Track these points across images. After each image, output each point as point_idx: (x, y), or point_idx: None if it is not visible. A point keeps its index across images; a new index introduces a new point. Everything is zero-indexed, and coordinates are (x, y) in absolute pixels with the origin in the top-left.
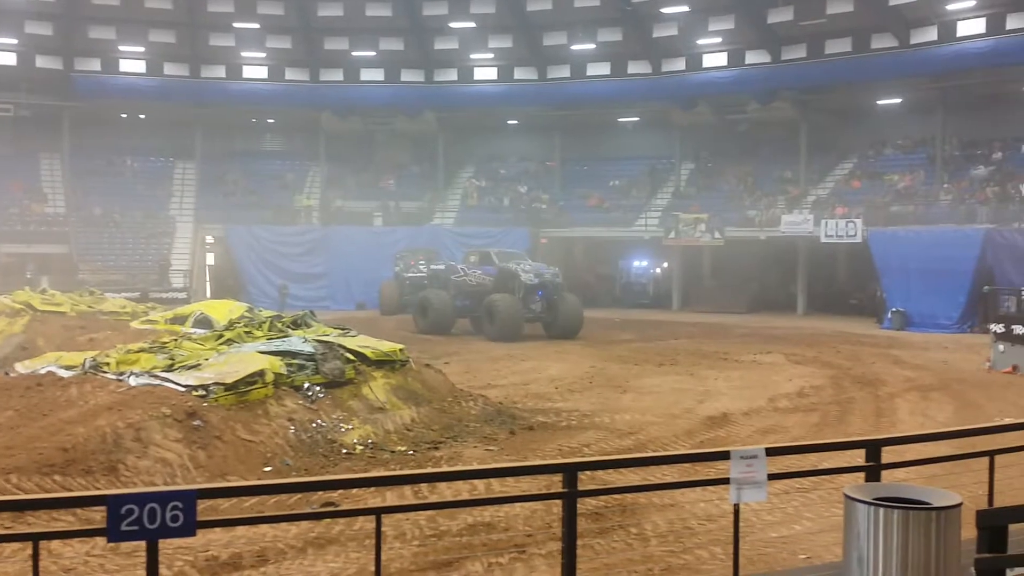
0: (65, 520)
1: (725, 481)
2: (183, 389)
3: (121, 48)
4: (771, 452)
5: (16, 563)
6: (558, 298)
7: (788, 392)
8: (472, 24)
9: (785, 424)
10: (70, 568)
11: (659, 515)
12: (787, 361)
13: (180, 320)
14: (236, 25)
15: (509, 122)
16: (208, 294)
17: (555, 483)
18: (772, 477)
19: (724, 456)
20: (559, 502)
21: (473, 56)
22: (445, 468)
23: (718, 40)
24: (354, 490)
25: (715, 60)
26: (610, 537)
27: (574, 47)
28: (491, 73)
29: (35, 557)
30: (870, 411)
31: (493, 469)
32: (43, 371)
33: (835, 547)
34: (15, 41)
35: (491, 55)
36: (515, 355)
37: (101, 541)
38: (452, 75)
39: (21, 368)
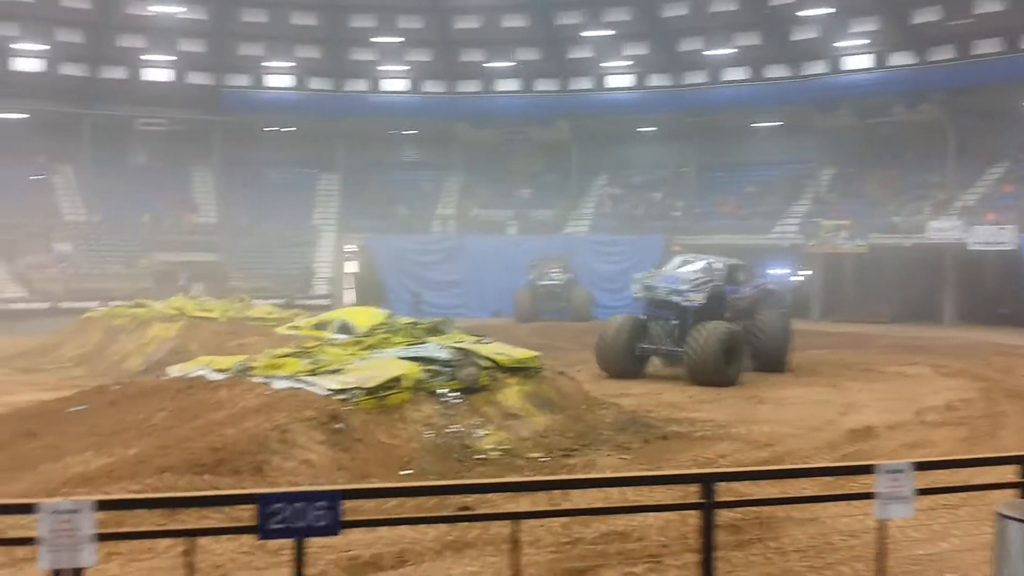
0: (214, 518)
1: (869, 496)
2: (326, 393)
3: (268, 64)
4: (918, 467)
5: (169, 559)
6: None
7: (936, 405)
8: (607, 32)
9: (932, 438)
10: (219, 565)
11: (799, 529)
12: (934, 373)
13: (323, 326)
14: (377, 40)
15: (643, 129)
16: (349, 301)
17: (690, 494)
18: (919, 492)
19: (868, 470)
20: (694, 513)
21: (607, 64)
22: (580, 475)
23: (861, 42)
24: (489, 495)
25: (857, 62)
26: (748, 550)
27: (710, 52)
28: (626, 80)
29: (190, 553)
30: (1023, 425)
31: (630, 477)
32: (195, 374)
33: (984, 566)
34: (171, 58)
35: (626, 62)
36: None
37: (249, 539)
38: (586, 83)
39: (175, 371)
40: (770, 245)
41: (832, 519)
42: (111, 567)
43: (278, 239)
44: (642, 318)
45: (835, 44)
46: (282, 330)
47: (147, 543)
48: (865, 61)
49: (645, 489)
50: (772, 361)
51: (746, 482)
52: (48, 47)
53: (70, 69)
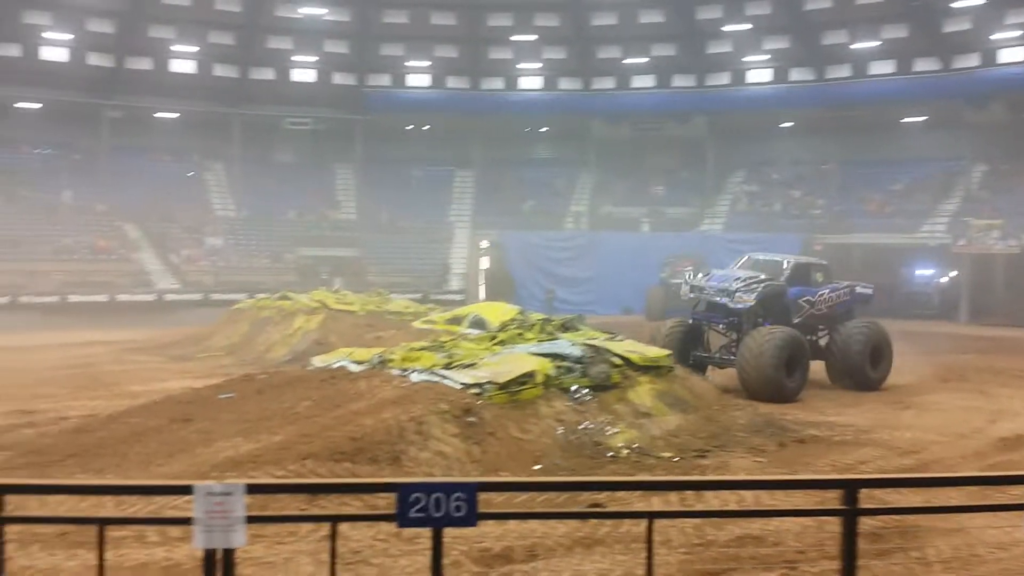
0: (353, 505)
1: (1020, 507)
2: (460, 386)
3: (408, 64)
4: None
5: (310, 543)
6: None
7: None
8: (747, 26)
9: None
10: (357, 551)
11: (943, 540)
12: None
13: (457, 321)
14: (514, 38)
15: (783, 125)
16: (482, 297)
17: (828, 499)
18: None
19: (1019, 481)
20: (832, 520)
21: (747, 59)
22: (715, 477)
23: (1017, 34)
24: (620, 493)
25: (1013, 55)
26: (889, 559)
27: (855, 45)
28: (765, 75)
29: (333, 537)
30: None
31: (769, 480)
32: (336, 365)
33: None
34: (315, 59)
35: (766, 56)
36: None
37: (385, 527)
38: (724, 79)
39: (318, 362)
40: (916, 245)
41: (979, 530)
42: (256, 549)
43: (415, 235)
44: (696, 323)
45: (990, 36)
46: (418, 324)
47: (289, 527)
48: (1021, 54)
49: (780, 494)
50: (857, 377)
51: (888, 489)
52: (201, 49)
53: (222, 70)
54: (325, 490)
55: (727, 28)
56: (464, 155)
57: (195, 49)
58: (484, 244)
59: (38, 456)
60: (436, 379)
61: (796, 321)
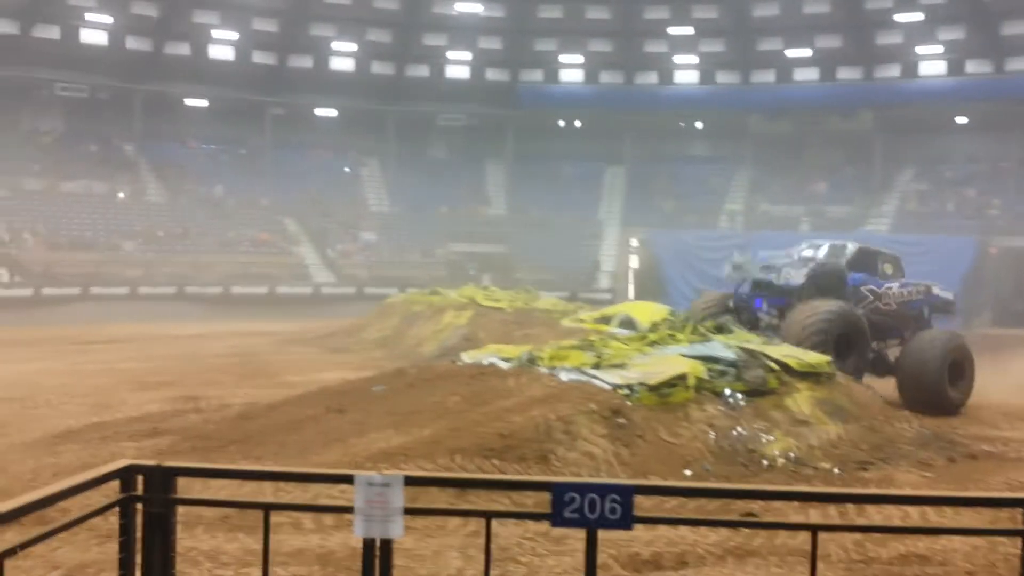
0: (502, 502)
1: None
2: (609, 387)
3: (562, 59)
4: None
5: (459, 537)
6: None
7: None
8: (920, 16)
9: None
10: (505, 548)
11: None
12: None
13: (606, 320)
14: (670, 31)
15: (957, 120)
16: (631, 296)
17: (1001, 519)
18: None
19: None
20: (1005, 540)
21: (919, 50)
22: (879, 491)
23: None
24: (775, 503)
25: None
26: None
27: None
28: (939, 67)
29: (488, 533)
30: None
31: (937, 496)
32: (486, 362)
33: None
34: (469, 55)
35: (940, 48)
36: None
37: (533, 525)
38: (894, 71)
39: (467, 357)
40: None
41: None
42: (407, 541)
43: (564, 232)
44: (732, 308)
45: None
46: (566, 322)
47: (438, 521)
48: None
49: (949, 511)
50: (932, 397)
51: None
52: (359, 47)
53: (379, 68)
54: (479, 485)
55: (898, 18)
56: (616, 151)
57: (354, 47)
58: (634, 242)
59: (203, 441)
60: (585, 379)
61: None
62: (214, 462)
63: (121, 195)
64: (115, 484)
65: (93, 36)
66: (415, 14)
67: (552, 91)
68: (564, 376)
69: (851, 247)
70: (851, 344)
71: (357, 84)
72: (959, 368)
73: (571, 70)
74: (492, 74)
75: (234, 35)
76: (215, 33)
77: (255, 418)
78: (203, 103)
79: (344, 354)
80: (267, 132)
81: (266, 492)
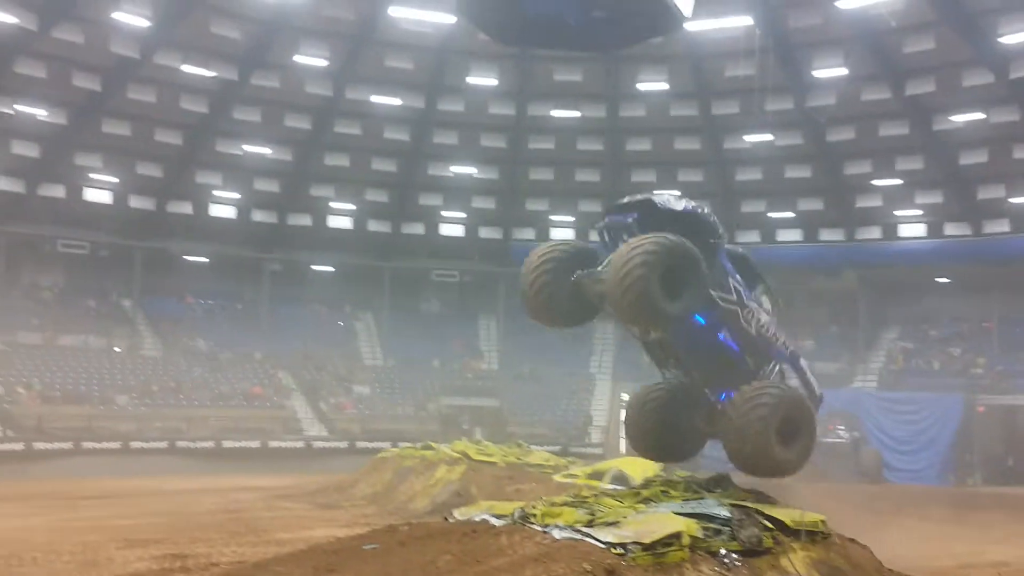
0: None
1: None
2: (603, 545)
3: (553, 218)
4: None
5: None
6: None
7: None
8: (898, 181)
9: None
10: None
11: None
12: None
13: (598, 476)
14: (657, 192)
15: (939, 280)
16: (623, 450)
17: None
18: None
19: None
20: None
21: (899, 212)
22: None
23: None
24: None
25: None
26: None
27: (1015, 199)
28: (919, 229)
29: None
30: None
31: None
32: (478, 519)
33: None
34: (464, 215)
35: (919, 211)
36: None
37: None
38: (875, 232)
39: (459, 514)
40: None
41: None
42: None
43: (555, 387)
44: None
45: None
46: (559, 478)
47: None
48: None
49: None
50: (749, 453)
51: None
52: (357, 206)
53: (375, 226)
54: None
55: (877, 183)
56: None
57: (352, 207)
58: (625, 396)
59: None
60: (579, 537)
61: (714, 294)
62: None
63: (117, 349)
64: None
65: (97, 195)
66: (412, 175)
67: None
68: (557, 534)
69: (738, 249)
70: (682, 282)
71: (354, 241)
72: (794, 426)
73: (562, 229)
74: (485, 232)
75: (235, 195)
76: (217, 193)
77: None
78: (202, 259)
79: (334, 510)
80: (264, 287)
81: None
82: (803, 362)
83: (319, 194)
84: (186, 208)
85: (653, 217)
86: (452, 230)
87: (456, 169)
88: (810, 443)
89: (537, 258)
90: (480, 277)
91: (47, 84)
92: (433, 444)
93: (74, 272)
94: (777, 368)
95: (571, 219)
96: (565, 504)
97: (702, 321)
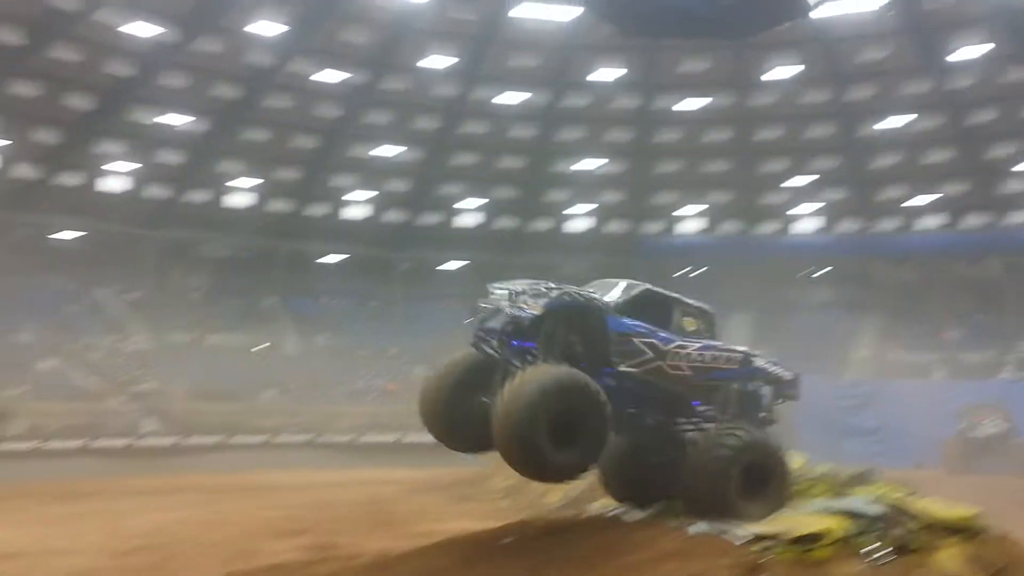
0: None
1: None
2: (742, 541)
3: (680, 210)
4: None
5: None
6: None
7: None
8: None
9: None
10: None
11: None
12: None
13: None
14: (788, 184)
15: None
16: None
17: None
18: None
19: None
20: None
21: None
22: None
23: None
24: None
25: None
26: None
27: None
28: None
29: None
30: None
31: None
32: (611, 513)
33: None
34: (590, 208)
35: None
36: None
37: None
38: (1020, 217)
39: (594, 508)
40: None
41: None
42: None
43: None
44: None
45: None
46: None
47: None
48: None
49: None
50: (707, 509)
51: None
52: (485, 203)
53: (503, 222)
54: None
55: (1019, 168)
56: (738, 299)
57: (480, 203)
58: None
59: None
60: (717, 532)
61: (624, 368)
62: None
63: (260, 347)
64: None
65: (239, 200)
66: (537, 172)
67: (672, 241)
68: (694, 529)
69: (634, 287)
70: (579, 428)
71: (482, 238)
72: (760, 475)
73: (691, 220)
74: (613, 226)
75: (368, 195)
76: (350, 195)
77: (386, 569)
78: (338, 259)
79: (470, 503)
80: (396, 285)
81: None
82: (759, 361)
83: (448, 192)
84: (322, 210)
85: (521, 327)
86: (579, 224)
87: (584, 164)
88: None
89: (439, 375)
90: (608, 271)
91: (189, 94)
92: None
93: (219, 274)
94: (726, 393)
95: (699, 210)
96: None
97: (627, 389)
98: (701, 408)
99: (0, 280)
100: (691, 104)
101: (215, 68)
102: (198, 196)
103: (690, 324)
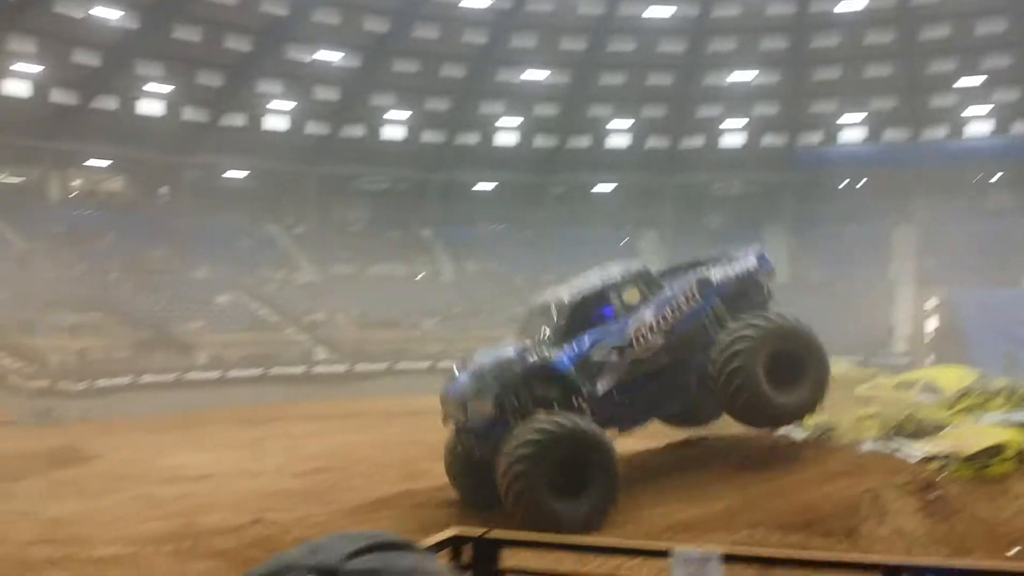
0: None
1: None
2: (916, 459)
3: (842, 119)
4: None
5: None
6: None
7: None
8: None
9: None
10: None
11: None
12: None
13: (906, 387)
14: (958, 84)
15: None
16: (930, 360)
17: None
18: None
19: None
20: None
21: None
22: None
23: None
24: None
25: None
26: None
27: None
28: None
29: None
30: None
31: None
32: (779, 432)
33: None
34: (744, 122)
35: None
36: None
37: None
38: None
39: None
40: None
41: None
42: None
43: (851, 296)
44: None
45: None
46: (862, 390)
47: None
48: None
49: None
50: (747, 404)
51: None
52: (634, 123)
53: (654, 142)
54: (806, 564)
55: None
56: (905, 209)
57: (629, 123)
58: (931, 304)
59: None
60: (888, 450)
61: (606, 390)
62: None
63: (419, 276)
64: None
65: (393, 132)
66: (688, 88)
67: (831, 152)
68: (866, 447)
69: (559, 308)
70: (581, 475)
71: (633, 159)
72: (793, 363)
73: (852, 129)
74: (768, 139)
75: (517, 120)
76: (500, 122)
77: None
78: (490, 187)
79: None
80: (548, 210)
81: (566, 563)
82: (716, 275)
83: (597, 114)
84: (472, 138)
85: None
86: (732, 140)
87: (735, 77)
88: None
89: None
90: (763, 187)
91: (341, 30)
92: None
93: (377, 206)
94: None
95: (861, 117)
96: (872, 417)
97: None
98: (714, 350)
99: (177, 220)
100: (852, 4)
101: (364, 3)
102: (354, 131)
103: (632, 296)
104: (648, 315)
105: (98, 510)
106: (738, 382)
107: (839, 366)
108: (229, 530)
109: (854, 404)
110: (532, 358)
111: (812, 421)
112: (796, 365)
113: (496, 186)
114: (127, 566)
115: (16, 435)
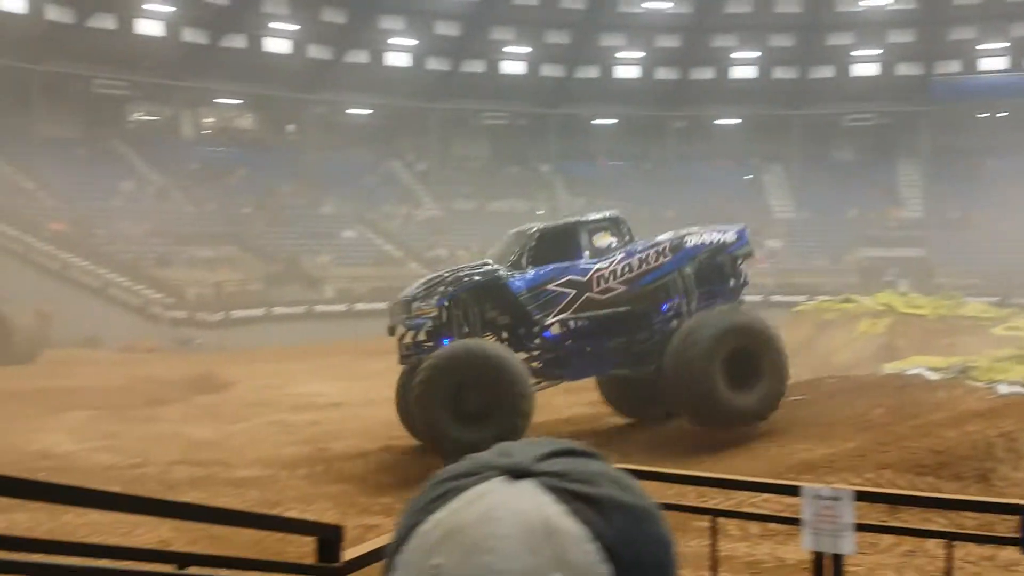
0: (936, 521)
1: None
2: None
3: (981, 47)
4: None
5: (893, 556)
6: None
7: None
8: None
9: None
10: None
11: None
12: None
13: None
14: None
15: None
16: None
17: None
18: None
19: None
20: None
21: None
22: None
23: None
24: None
25: None
26: None
27: None
28: None
29: (950, 556)
30: None
31: None
32: (911, 372)
33: None
34: (877, 51)
35: None
36: None
37: (974, 548)
38: None
39: (889, 368)
40: None
41: None
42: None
43: (990, 232)
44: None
45: None
46: (999, 331)
47: (869, 538)
48: None
49: None
50: (700, 402)
51: None
52: (761, 54)
53: (781, 73)
54: (938, 505)
55: None
56: None
57: (755, 54)
58: None
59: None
60: None
61: (558, 331)
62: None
63: (540, 212)
64: None
65: (513, 67)
66: (818, 15)
67: (971, 82)
68: (1004, 389)
69: (529, 234)
70: (484, 395)
71: (759, 91)
72: (749, 362)
73: (992, 58)
74: (903, 68)
75: (639, 54)
76: (620, 54)
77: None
78: (610, 122)
79: None
80: (670, 145)
81: (688, 496)
82: (693, 239)
83: (721, 44)
84: (592, 72)
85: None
86: (865, 69)
87: (868, 1)
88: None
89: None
90: (898, 118)
91: None
92: (853, 297)
93: (497, 142)
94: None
95: (1003, 45)
96: (1012, 358)
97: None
98: (667, 309)
99: (304, 156)
100: None
101: None
102: (474, 66)
103: (603, 238)
104: (615, 261)
105: (235, 434)
106: (693, 383)
107: (974, 307)
108: (359, 455)
109: (990, 345)
110: (489, 275)
111: (946, 362)
112: (754, 364)
113: (616, 121)
114: (264, 487)
115: (159, 362)
